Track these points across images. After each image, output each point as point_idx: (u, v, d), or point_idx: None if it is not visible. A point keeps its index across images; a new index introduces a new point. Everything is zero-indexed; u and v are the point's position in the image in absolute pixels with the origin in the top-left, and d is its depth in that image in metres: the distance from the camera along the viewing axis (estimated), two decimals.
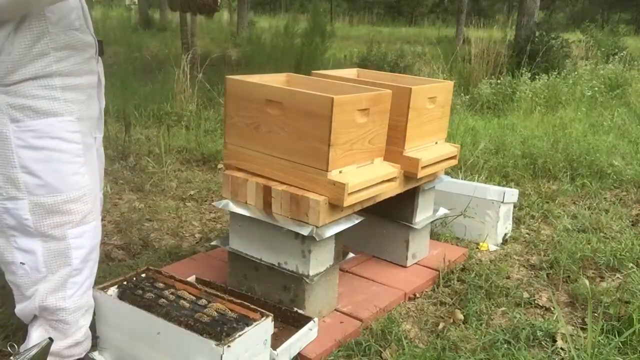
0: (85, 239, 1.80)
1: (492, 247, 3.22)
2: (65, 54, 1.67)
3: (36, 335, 1.83)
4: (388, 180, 2.31)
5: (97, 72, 1.86)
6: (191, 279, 2.37)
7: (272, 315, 1.89)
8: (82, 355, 1.93)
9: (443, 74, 7.92)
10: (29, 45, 1.59)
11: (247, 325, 1.82)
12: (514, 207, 3.47)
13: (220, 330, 1.77)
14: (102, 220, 3.39)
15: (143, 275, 2.15)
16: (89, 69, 1.79)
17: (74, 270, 1.79)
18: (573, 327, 2.45)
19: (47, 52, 1.63)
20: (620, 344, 2.23)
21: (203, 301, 1.97)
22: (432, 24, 27.93)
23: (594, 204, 3.95)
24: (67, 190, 1.72)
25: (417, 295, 2.65)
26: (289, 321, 2.18)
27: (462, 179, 3.95)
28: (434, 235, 3.21)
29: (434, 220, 3.07)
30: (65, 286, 1.79)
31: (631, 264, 2.98)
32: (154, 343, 1.85)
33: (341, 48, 12.62)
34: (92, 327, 2.06)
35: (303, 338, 2.09)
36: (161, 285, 2.08)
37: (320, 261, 2.22)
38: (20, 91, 1.62)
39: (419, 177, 2.49)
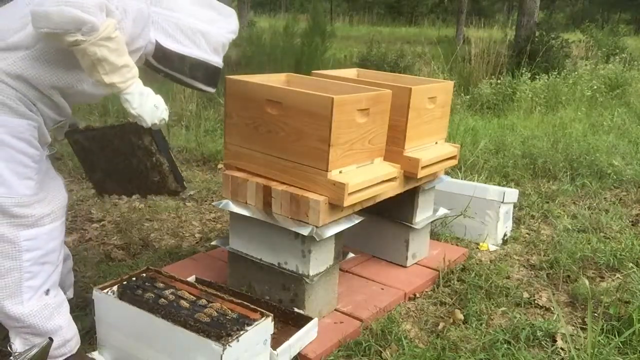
0: (40, 241, 1.77)
1: (492, 247, 3.22)
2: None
3: (18, 343, 1.83)
4: (388, 180, 2.31)
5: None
6: (191, 279, 2.37)
7: (272, 315, 1.89)
8: (73, 352, 1.93)
9: (443, 74, 7.91)
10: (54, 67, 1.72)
11: (247, 325, 1.82)
12: (514, 207, 3.47)
13: (220, 330, 1.77)
14: (102, 220, 3.41)
15: (143, 275, 2.15)
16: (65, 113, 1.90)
17: (25, 273, 1.76)
18: (573, 327, 2.45)
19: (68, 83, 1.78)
20: (620, 344, 2.23)
21: (203, 301, 1.97)
22: (432, 24, 27.90)
23: (594, 204, 3.95)
24: (17, 195, 1.71)
25: (417, 295, 2.65)
26: (289, 321, 2.18)
27: (462, 179, 3.95)
28: (434, 235, 3.21)
29: (434, 220, 3.07)
30: (20, 291, 1.76)
31: (631, 264, 2.98)
32: (154, 343, 1.85)
33: (341, 48, 12.61)
34: (92, 326, 2.07)
35: (303, 338, 2.09)
36: (161, 285, 2.08)
37: (320, 261, 2.22)
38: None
39: (419, 177, 2.49)
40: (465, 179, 3.94)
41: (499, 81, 7.48)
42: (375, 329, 2.29)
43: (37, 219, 1.76)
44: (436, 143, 2.71)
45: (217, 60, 2.03)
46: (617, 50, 10.92)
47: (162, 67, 1.97)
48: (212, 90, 2.07)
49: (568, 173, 4.45)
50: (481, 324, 2.41)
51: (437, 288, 2.71)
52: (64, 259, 2.24)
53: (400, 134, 2.45)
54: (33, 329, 1.81)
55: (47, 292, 1.83)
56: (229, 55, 10.48)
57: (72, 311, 2.00)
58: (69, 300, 2.06)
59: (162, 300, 1.96)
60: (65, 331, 1.88)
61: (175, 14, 1.93)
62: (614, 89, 7.92)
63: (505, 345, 2.22)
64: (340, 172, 2.12)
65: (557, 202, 3.98)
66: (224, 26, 2.05)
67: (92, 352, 2.03)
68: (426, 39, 15.81)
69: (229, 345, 1.70)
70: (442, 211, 2.97)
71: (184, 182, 2.11)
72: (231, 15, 2.10)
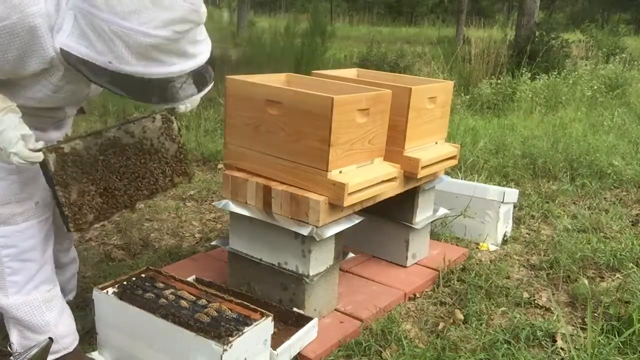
0: (15, 239, 1.78)
1: (492, 247, 3.22)
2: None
3: (14, 335, 1.87)
4: (388, 180, 2.31)
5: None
6: (191, 279, 2.37)
7: (272, 315, 1.89)
8: (69, 350, 1.93)
9: (443, 74, 7.91)
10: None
11: (247, 325, 1.82)
12: (514, 207, 3.47)
13: (220, 330, 1.77)
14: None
15: (143, 275, 2.15)
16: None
17: (6, 268, 1.78)
18: (573, 327, 2.45)
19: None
20: (620, 344, 2.23)
21: (203, 301, 1.97)
22: (432, 24, 27.90)
23: (594, 204, 3.95)
24: None
25: (417, 295, 2.65)
26: (289, 321, 2.18)
27: (462, 179, 3.95)
28: (434, 235, 3.21)
29: (434, 220, 3.07)
30: (5, 285, 1.80)
31: (631, 264, 2.98)
32: (154, 343, 1.85)
33: (341, 48, 12.62)
34: (92, 326, 2.07)
35: (303, 338, 2.09)
36: (161, 285, 2.08)
37: (320, 261, 2.22)
38: None
39: (419, 177, 2.49)
40: (465, 179, 3.94)
41: (499, 81, 7.47)
42: (375, 329, 2.29)
43: (8, 217, 1.75)
44: (436, 143, 2.71)
45: (137, 70, 1.48)
46: (617, 50, 10.93)
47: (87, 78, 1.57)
48: (160, 105, 1.67)
49: (568, 173, 4.45)
50: (481, 324, 2.41)
51: (437, 288, 2.71)
52: (69, 262, 2.26)
53: (400, 134, 2.45)
54: (20, 321, 1.83)
55: (36, 288, 1.84)
56: (229, 55, 10.48)
57: (72, 311, 2.00)
58: (68, 302, 2.06)
59: (162, 300, 1.96)
60: (54, 327, 1.88)
61: (94, 10, 1.44)
62: (614, 89, 7.92)
63: (505, 345, 2.22)
64: (340, 172, 2.12)
65: (557, 202, 3.98)
66: (152, 18, 1.42)
67: (92, 352, 2.03)
68: (426, 39, 15.83)
69: (229, 345, 1.70)
70: (442, 211, 2.97)
71: (69, 225, 1.75)
72: None
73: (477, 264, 2.97)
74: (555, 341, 2.29)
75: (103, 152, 1.82)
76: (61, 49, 1.51)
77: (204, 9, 1.51)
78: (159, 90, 1.55)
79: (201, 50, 1.58)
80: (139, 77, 1.50)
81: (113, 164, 1.84)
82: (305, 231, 2.09)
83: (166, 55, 1.49)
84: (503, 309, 2.56)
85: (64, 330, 1.91)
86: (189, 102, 1.94)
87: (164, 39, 1.46)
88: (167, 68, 1.51)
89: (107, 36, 1.45)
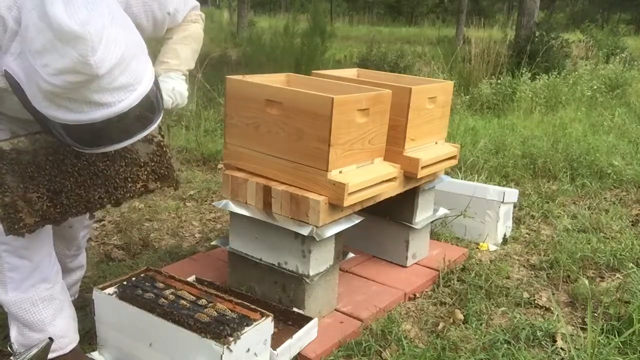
0: (5, 237, 1.73)
1: (492, 247, 3.22)
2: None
3: (13, 331, 1.87)
4: (388, 180, 2.31)
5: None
6: (191, 279, 2.37)
7: (272, 315, 1.89)
8: (65, 350, 1.93)
9: (443, 74, 7.91)
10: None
11: (247, 325, 1.82)
12: (514, 207, 3.47)
13: (220, 330, 1.77)
14: (102, 220, 3.40)
15: (143, 275, 2.15)
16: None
17: (5, 263, 1.78)
18: (573, 327, 2.45)
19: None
20: (620, 344, 2.23)
21: (203, 301, 1.97)
22: (432, 24, 27.91)
23: (594, 204, 3.95)
24: None
25: (417, 295, 2.65)
26: (289, 321, 2.18)
27: (462, 179, 3.95)
28: (434, 235, 3.21)
29: (434, 220, 3.07)
30: (5, 281, 1.80)
31: (631, 264, 2.98)
32: (154, 343, 1.85)
33: (341, 48, 12.62)
34: (92, 326, 2.07)
35: (303, 338, 2.09)
36: (161, 285, 2.08)
37: (320, 261, 2.22)
38: None
39: (419, 177, 2.49)
40: (465, 179, 3.94)
41: (499, 81, 7.47)
42: (375, 329, 2.29)
43: None
44: (436, 143, 2.71)
45: (49, 114, 1.39)
46: (617, 50, 10.92)
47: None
48: (81, 149, 1.54)
49: (568, 173, 4.45)
50: (481, 324, 2.41)
51: (437, 288, 2.71)
52: (75, 268, 2.27)
53: (400, 134, 2.45)
54: (17, 318, 1.84)
55: (34, 286, 1.84)
56: (229, 55, 10.46)
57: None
58: None
59: (162, 300, 1.96)
60: (50, 326, 1.88)
61: (23, 40, 1.37)
62: (614, 89, 7.92)
63: (505, 345, 2.22)
64: (340, 172, 2.12)
65: (557, 202, 3.98)
66: (49, 62, 1.31)
67: (92, 352, 2.03)
68: (426, 39, 15.82)
69: (229, 345, 1.70)
70: (442, 211, 2.97)
71: (4, 227, 1.67)
72: (73, 39, 1.28)
73: (477, 264, 2.97)
74: (555, 341, 2.29)
75: (54, 152, 1.71)
76: (5, 71, 1.44)
77: (99, 61, 1.31)
78: (79, 136, 1.45)
79: (120, 98, 1.40)
80: (41, 114, 1.41)
81: (67, 165, 1.72)
82: (305, 231, 2.09)
83: (70, 102, 1.36)
84: (503, 309, 2.56)
85: (61, 330, 1.91)
86: (174, 95, 1.89)
87: (56, 87, 1.33)
88: (75, 115, 1.38)
89: (30, 70, 1.35)
